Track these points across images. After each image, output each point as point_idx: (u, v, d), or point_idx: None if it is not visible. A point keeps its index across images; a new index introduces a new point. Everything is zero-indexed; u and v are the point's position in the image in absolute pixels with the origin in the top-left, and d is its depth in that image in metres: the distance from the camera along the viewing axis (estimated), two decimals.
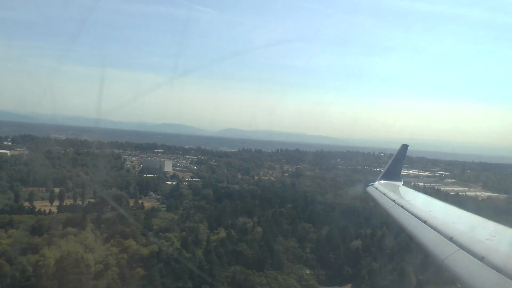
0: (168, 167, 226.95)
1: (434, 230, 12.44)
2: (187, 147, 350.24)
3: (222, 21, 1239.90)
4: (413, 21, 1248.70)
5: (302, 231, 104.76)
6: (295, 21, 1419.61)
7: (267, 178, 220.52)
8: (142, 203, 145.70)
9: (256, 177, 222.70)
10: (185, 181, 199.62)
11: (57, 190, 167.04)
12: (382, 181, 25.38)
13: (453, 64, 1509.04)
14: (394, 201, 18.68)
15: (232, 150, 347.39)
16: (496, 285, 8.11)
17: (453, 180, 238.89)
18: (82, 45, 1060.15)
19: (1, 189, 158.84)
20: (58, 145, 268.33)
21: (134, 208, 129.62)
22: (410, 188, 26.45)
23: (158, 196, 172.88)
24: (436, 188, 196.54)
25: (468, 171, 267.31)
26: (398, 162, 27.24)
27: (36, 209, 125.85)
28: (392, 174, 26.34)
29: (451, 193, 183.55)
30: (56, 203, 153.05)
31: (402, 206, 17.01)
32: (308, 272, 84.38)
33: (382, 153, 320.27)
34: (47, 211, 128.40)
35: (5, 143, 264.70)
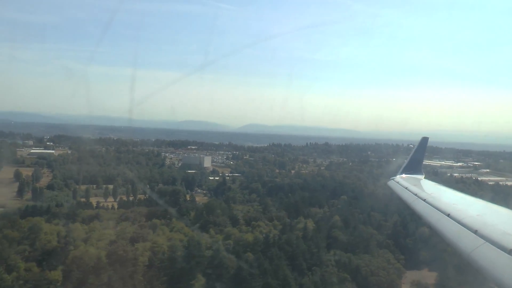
0: (207, 162, 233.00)
1: (458, 223, 12.40)
2: (217, 143, 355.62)
3: (241, 17, 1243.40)
4: (434, 10, 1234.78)
5: (373, 219, 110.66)
6: (314, 14, 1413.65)
7: (305, 171, 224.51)
8: (194, 197, 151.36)
9: (292, 171, 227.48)
10: (226, 176, 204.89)
11: (108, 187, 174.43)
12: (403, 175, 25.42)
13: (478, 51, 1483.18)
14: (416, 194, 18.73)
15: (262, 145, 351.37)
16: None
17: (487, 170, 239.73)
18: (104, 45, 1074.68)
19: (58, 186, 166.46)
20: (96, 145, 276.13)
21: (190, 202, 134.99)
22: (433, 181, 25.16)
23: (204, 191, 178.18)
24: (474, 178, 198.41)
25: (501, 160, 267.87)
26: (419, 155, 27.20)
27: (101, 205, 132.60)
28: (413, 167, 26.37)
29: (490, 183, 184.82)
30: (110, 199, 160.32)
31: (424, 200, 17.03)
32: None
33: (411, 144, 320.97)
34: (109, 206, 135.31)
35: (47, 143, 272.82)
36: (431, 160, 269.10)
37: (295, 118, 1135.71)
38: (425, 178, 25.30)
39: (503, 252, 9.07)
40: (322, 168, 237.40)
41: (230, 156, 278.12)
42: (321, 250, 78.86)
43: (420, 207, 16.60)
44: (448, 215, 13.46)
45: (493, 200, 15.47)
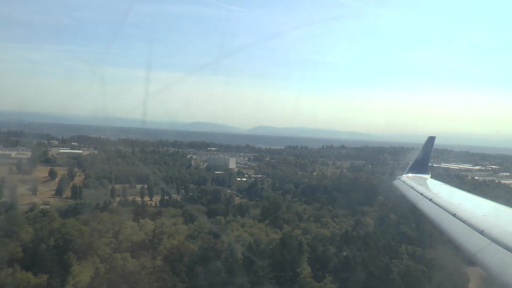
0: (232, 164, 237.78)
1: (464, 223, 12.34)
2: (234, 144, 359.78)
3: (250, 19, 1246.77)
4: (443, 12, 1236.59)
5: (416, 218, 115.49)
6: (324, 16, 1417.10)
7: (329, 173, 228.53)
8: (232, 196, 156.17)
9: (314, 173, 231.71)
10: (253, 177, 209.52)
11: (139, 186, 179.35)
12: (409, 174, 25.63)
13: (486, 53, 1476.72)
14: (422, 194, 18.78)
15: (278, 147, 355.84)
16: None
17: (507, 173, 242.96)
18: (114, 47, 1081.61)
19: (93, 185, 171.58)
20: (119, 145, 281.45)
21: (229, 201, 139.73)
22: (440, 181, 24.99)
23: (235, 192, 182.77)
24: (496, 181, 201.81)
25: None
26: (425, 154, 27.37)
27: (146, 203, 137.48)
28: (419, 167, 26.48)
29: None
30: (147, 198, 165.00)
31: (430, 199, 17.06)
32: None
33: None
34: (153, 204, 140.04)
35: (72, 143, 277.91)
36: (449, 163, 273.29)
37: (305, 120, 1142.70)
38: (431, 177, 25.36)
39: (509, 253, 9.08)
40: (344, 170, 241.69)
41: (252, 157, 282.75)
42: (395, 244, 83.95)
43: (426, 206, 16.83)
44: (454, 215, 13.52)
45: None
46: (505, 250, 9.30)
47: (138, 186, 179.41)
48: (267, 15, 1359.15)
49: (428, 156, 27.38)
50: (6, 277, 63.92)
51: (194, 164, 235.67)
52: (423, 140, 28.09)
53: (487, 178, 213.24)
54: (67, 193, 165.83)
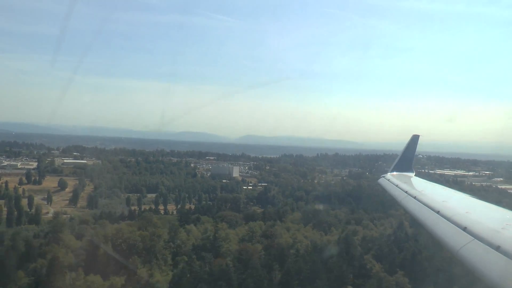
0: (236, 172, 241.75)
1: (448, 220, 12.49)
2: (229, 153, 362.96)
3: (239, 29, 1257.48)
4: (430, 22, 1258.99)
5: None
6: (312, 26, 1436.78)
7: (332, 181, 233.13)
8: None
9: (315, 181, 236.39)
10: (259, 185, 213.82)
11: (150, 195, 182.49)
12: (394, 173, 25.72)
13: (472, 63, 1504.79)
14: (406, 192, 18.83)
15: (274, 156, 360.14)
16: None
17: (501, 179, 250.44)
18: (99, 56, 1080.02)
19: (106, 195, 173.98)
20: (118, 155, 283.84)
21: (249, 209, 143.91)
22: (423, 179, 25.46)
23: (245, 200, 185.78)
24: (494, 187, 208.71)
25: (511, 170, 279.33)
26: (409, 153, 27.41)
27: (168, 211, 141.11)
28: (404, 165, 26.62)
29: (510, 191, 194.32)
30: (161, 206, 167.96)
31: (415, 197, 17.17)
32: None
33: (420, 155, 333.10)
34: (170, 212, 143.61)
35: (74, 153, 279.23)
36: (443, 170, 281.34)
37: (293, 129, 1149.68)
38: (415, 175, 25.74)
39: (491, 249, 9.19)
40: (344, 178, 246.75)
41: (252, 166, 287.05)
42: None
43: (410, 204, 16.92)
44: (438, 212, 13.62)
45: None
46: (487, 246, 9.48)
47: (149, 196, 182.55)
48: (255, 25, 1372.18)
49: (412, 155, 27.71)
50: (74, 281, 67.55)
51: (198, 173, 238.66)
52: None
53: (484, 184, 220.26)
54: (81, 202, 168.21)
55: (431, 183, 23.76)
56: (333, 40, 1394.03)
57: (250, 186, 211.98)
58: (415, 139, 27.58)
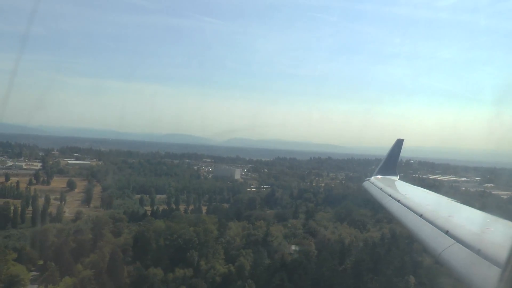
0: (238, 175, 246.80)
1: (431, 223, 12.64)
2: (225, 156, 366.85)
3: (225, 31, 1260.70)
4: (416, 28, 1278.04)
5: None
6: (299, 30, 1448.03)
7: (332, 184, 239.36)
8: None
9: (314, 183, 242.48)
10: (261, 187, 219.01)
11: (159, 196, 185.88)
12: (378, 176, 26.23)
13: (457, 70, 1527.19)
14: (390, 195, 18.99)
15: (268, 159, 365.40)
16: (492, 278, 8.08)
17: (492, 184, 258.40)
18: (86, 57, 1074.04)
19: (117, 195, 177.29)
20: (118, 156, 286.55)
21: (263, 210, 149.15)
22: (407, 182, 25.77)
23: None
24: (488, 192, 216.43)
25: (502, 176, 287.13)
26: (393, 156, 27.98)
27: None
28: (388, 169, 27.10)
29: (504, 197, 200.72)
30: (172, 206, 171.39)
31: (398, 201, 17.28)
32: None
33: (412, 160, 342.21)
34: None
35: (74, 154, 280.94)
36: (436, 175, 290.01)
37: (280, 133, 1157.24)
38: (399, 179, 26.03)
39: (472, 252, 9.33)
40: (342, 181, 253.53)
41: (250, 169, 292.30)
42: None
43: (394, 207, 17.07)
44: (421, 216, 13.77)
45: None
46: (467, 250, 9.54)
47: (158, 196, 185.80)
48: (242, 27, 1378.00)
49: (396, 158, 28.31)
50: (135, 273, 72.12)
51: (201, 174, 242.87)
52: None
53: (478, 189, 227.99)
54: (94, 202, 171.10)
55: (415, 186, 23.74)
56: (320, 45, 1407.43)
57: (253, 188, 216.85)
58: (399, 143, 28.19)
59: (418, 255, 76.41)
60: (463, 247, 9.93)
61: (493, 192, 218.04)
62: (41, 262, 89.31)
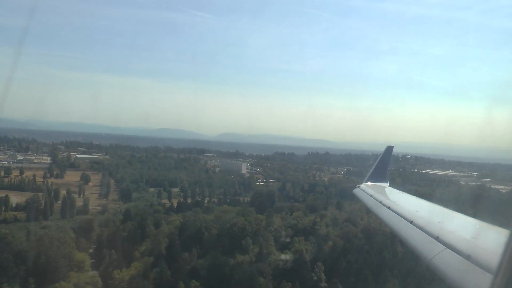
0: (244, 169, 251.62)
1: (421, 230, 12.79)
2: (224, 151, 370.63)
3: (218, 26, 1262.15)
4: (409, 25, 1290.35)
5: None
6: (292, 25, 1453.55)
7: (335, 178, 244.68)
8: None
9: (317, 178, 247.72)
10: (271, 181, 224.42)
11: (172, 189, 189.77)
12: (368, 183, 25.97)
13: (448, 67, 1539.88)
14: (381, 202, 19.09)
15: (267, 154, 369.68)
16: (482, 283, 8.13)
17: (488, 179, 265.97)
18: (79, 51, 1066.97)
19: (133, 189, 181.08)
20: (123, 151, 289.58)
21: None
22: (398, 189, 26.01)
23: None
24: (487, 186, 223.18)
25: (497, 171, 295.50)
26: (383, 163, 27.81)
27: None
28: (378, 176, 26.88)
29: (503, 191, 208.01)
30: (189, 200, 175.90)
31: (388, 207, 17.41)
32: None
33: (408, 155, 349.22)
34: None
35: (80, 148, 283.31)
36: (433, 170, 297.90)
37: (271, 128, 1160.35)
38: (389, 185, 25.92)
39: (462, 258, 9.49)
40: (345, 176, 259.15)
41: (253, 163, 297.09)
42: None
43: (384, 214, 17.13)
44: (411, 222, 13.88)
45: None
46: (457, 255, 9.75)
47: (173, 190, 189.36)
48: (234, 22, 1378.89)
49: (386, 165, 28.06)
50: (193, 258, 77.07)
51: (209, 169, 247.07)
52: (394, 149, 29.31)
53: (477, 183, 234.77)
54: (112, 196, 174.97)
55: (405, 193, 24.07)
56: (313, 40, 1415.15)
57: (260, 182, 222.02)
58: (389, 150, 28.11)
59: None
60: (453, 253, 10.16)
61: (492, 186, 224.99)
62: (91, 250, 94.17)
